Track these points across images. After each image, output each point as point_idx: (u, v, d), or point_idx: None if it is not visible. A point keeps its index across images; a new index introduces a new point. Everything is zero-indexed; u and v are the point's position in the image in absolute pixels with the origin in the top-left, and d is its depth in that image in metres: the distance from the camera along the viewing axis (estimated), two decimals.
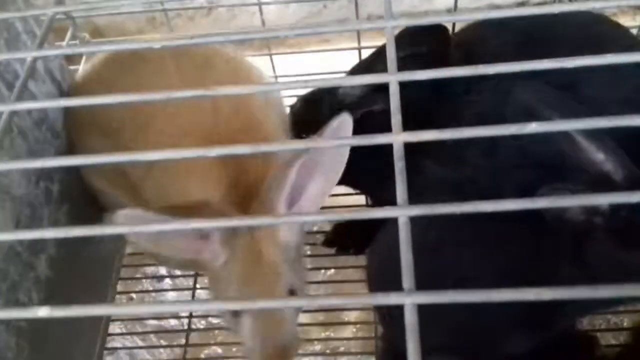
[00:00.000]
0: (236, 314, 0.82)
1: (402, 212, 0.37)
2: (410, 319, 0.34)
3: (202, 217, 0.71)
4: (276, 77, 1.30)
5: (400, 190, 0.39)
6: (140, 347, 1.34)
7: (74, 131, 1.03)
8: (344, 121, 0.71)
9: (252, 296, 0.79)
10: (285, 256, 0.82)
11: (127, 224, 0.67)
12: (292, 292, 0.82)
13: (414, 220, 1.01)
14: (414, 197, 0.39)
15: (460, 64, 1.04)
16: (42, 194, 0.96)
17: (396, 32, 0.49)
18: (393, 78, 0.44)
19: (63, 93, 1.06)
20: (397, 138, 0.40)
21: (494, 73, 0.42)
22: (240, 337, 0.84)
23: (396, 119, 0.42)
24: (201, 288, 1.29)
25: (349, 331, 1.32)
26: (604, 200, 0.46)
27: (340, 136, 0.67)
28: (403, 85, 0.43)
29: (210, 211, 0.78)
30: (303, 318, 1.10)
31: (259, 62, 1.30)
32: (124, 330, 1.36)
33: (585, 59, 0.42)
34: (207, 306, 0.73)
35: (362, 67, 1.08)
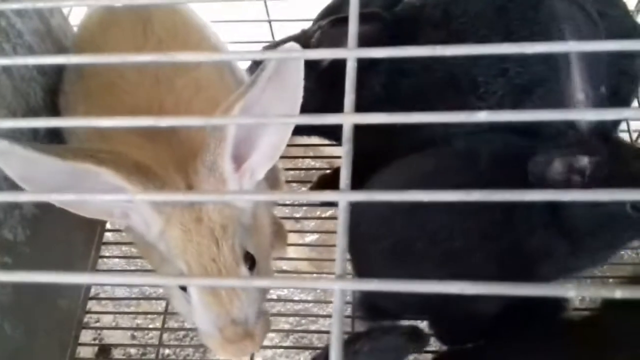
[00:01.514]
0: (182, 287, 0.75)
1: (343, 197, 0.38)
2: (338, 304, 0.35)
3: (124, 171, 0.67)
4: (270, 22, 1.27)
5: (344, 174, 0.39)
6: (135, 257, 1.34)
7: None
8: (284, 60, 0.63)
9: (195, 267, 0.72)
10: (236, 220, 0.74)
11: (5, 157, 0.62)
12: (249, 259, 0.76)
13: (393, 187, 1.02)
14: None
15: (437, 22, 1.04)
16: (29, 132, 0.97)
17: None
18: (351, 54, 0.43)
19: (51, 30, 1.04)
20: (347, 119, 0.40)
21: (451, 54, 0.41)
22: (192, 320, 0.77)
23: (349, 98, 0.41)
24: None
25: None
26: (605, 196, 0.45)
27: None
28: None
29: (132, 166, 0.70)
30: None
31: (253, 7, 1.27)
32: (119, 239, 1.38)
33: (545, 45, 0.41)
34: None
35: (329, 9, 1.10)
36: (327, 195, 0.39)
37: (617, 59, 1.03)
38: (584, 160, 0.80)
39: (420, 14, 1.06)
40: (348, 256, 1.04)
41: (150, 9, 0.95)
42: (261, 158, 0.74)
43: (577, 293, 0.33)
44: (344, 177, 0.39)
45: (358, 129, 1.30)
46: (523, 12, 1.00)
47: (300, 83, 0.67)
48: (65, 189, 0.67)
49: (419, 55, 0.41)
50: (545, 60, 0.99)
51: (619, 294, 0.32)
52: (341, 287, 0.35)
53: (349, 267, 1.04)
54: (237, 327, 0.73)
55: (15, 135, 0.92)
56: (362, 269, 1.03)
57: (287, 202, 1.31)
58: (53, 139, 1.01)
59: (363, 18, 0.97)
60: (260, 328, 0.76)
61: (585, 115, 0.38)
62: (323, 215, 1.36)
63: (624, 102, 1.11)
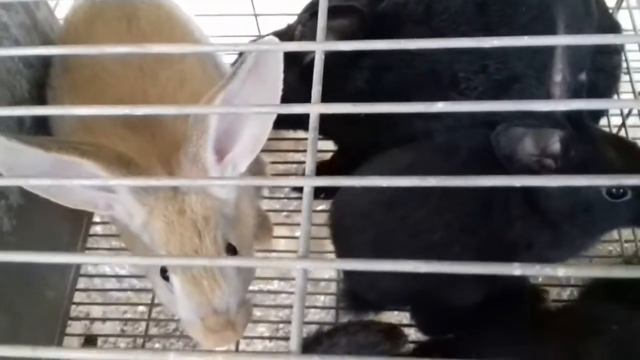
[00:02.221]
0: (165, 277, 0.76)
1: (307, 182, 0.40)
2: (300, 282, 0.37)
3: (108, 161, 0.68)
4: (256, 16, 1.29)
5: (309, 160, 0.40)
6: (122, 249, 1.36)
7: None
8: (262, 53, 0.64)
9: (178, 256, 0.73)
10: (218, 212, 0.76)
11: None
12: (231, 251, 0.77)
13: (374, 174, 1.02)
14: None
15: (419, 18, 1.06)
16: (14, 123, 0.98)
17: None
18: (319, 47, 0.45)
19: (37, 23, 1.06)
20: (313, 108, 0.42)
21: (415, 48, 0.43)
22: (175, 310, 0.78)
23: (316, 89, 0.43)
24: None
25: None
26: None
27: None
28: None
29: (116, 158, 0.71)
30: None
31: (239, 1, 1.28)
32: (107, 232, 1.39)
33: (504, 39, 0.42)
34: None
35: (313, 3, 1.10)
36: (293, 181, 0.41)
37: (594, 55, 1.06)
38: (555, 137, 0.81)
39: (403, 10, 1.08)
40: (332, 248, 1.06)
41: (136, 3, 0.97)
42: (243, 150, 0.75)
43: (522, 271, 0.34)
44: (309, 163, 0.41)
45: (345, 125, 1.34)
46: (502, 9, 1.02)
47: (280, 76, 0.68)
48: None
49: (385, 49, 0.43)
50: (523, 57, 1.02)
51: (561, 272, 0.34)
52: (303, 267, 0.37)
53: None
54: (219, 316, 0.74)
55: (0, 128, 0.93)
56: (349, 252, 1.05)
57: (281, 196, 1.33)
58: (38, 132, 1.02)
59: (340, 11, 1.00)
60: (241, 317, 0.77)
61: (543, 106, 0.39)
62: (314, 209, 1.38)
63: (601, 96, 1.14)
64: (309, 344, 0.74)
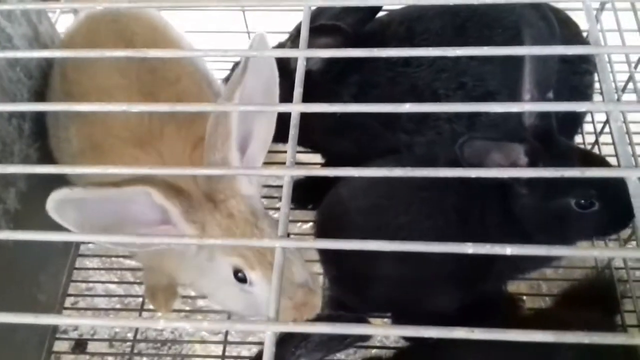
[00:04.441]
0: (241, 278, 0.79)
1: (287, 172, 0.44)
2: (279, 259, 0.41)
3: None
4: (248, 33, 1.35)
5: (289, 154, 0.45)
6: (115, 282, 1.41)
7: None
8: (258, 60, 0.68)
9: (251, 254, 0.77)
10: (256, 207, 0.81)
11: (60, 208, 0.66)
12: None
13: (357, 188, 1.06)
14: None
15: (401, 38, 1.13)
16: (14, 130, 1.02)
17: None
18: (301, 54, 0.50)
19: (39, 35, 1.11)
20: (295, 107, 0.47)
21: (386, 55, 0.48)
22: (256, 307, 0.81)
23: (297, 91, 0.48)
24: None
25: None
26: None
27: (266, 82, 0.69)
28: None
29: (160, 183, 0.74)
30: None
31: (230, 17, 1.34)
32: (100, 266, 1.44)
33: (467, 49, 0.48)
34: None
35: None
36: (274, 171, 0.45)
37: (567, 75, 1.12)
38: (519, 150, 0.86)
39: (387, 30, 1.15)
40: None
41: (133, 27, 1.02)
42: (258, 147, 0.80)
43: (474, 250, 0.39)
44: (290, 156, 0.45)
45: (332, 137, 1.39)
46: (480, 30, 1.09)
47: (275, 76, 0.73)
48: (111, 225, 0.72)
49: (361, 56, 0.48)
50: (497, 75, 1.08)
51: (509, 250, 0.39)
52: (282, 245, 0.41)
53: None
54: (303, 288, 0.79)
55: (1, 137, 0.98)
56: (334, 260, 1.08)
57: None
58: (38, 139, 1.07)
59: (326, 30, 1.06)
60: (316, 283, 0.82)
61: (500, 107, 0.44)
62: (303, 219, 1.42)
63: (575, 116, 1.20)
64: (284, 337, 0.78)
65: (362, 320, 0.82)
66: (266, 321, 0.37)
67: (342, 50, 0.49)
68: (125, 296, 1.43)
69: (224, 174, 0.73)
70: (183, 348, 1.36)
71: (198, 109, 0.59)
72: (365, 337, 0.87)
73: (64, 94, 0.99)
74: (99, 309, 1.38)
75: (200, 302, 1.39)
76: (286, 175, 0.44)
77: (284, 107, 0.47)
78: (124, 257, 1.44)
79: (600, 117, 1.27)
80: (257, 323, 0.38)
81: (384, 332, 0.36)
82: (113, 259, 1.46)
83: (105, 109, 0.45)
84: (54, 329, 1.16)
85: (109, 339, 1.26)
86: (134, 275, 1.47)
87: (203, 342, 1.36)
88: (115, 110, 0.46)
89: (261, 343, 1.32)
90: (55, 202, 0.66)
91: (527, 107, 0.60)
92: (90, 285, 1.39)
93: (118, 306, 1.41)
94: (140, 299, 1.39)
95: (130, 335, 1.31)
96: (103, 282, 1.43)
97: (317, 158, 1.33)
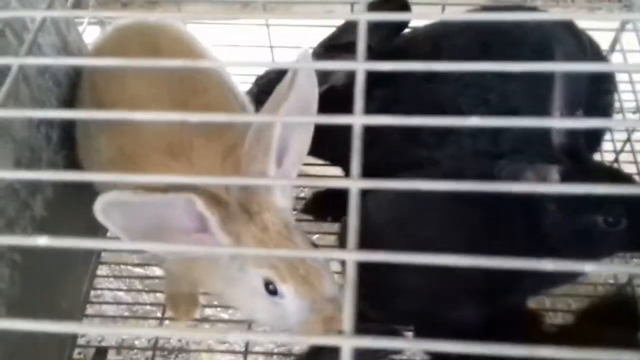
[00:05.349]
0: (272, 291, 0.79)
1: (354, 184, 0.45)
2: (350, 273, 0.41)
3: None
4: (272, 47, 1.36)
5: (355, 166, 0.46)
6: (123, 290, 1.42)
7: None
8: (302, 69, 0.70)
9: (283, 267, 0.78)
10: (289, 220, 0.82)
11: (107, 210, 0.67)
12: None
13: (383, 201, 1.07)
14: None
15: (427, 54, 1.14)
16: (42, 138, 1.03)
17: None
18: (361, 67, 0.50)
19: (67, 45, 1.11)
20: (357, 120, 0.47)
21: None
22: (285, 320, 0.81)
23: (359, 104, 0.49)
24: None
25: None
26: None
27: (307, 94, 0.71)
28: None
29: (201, 193, 0.75)
30: None
31: (255, 31, 1.36)
32: (109, 273, 1.45)
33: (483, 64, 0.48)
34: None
35: (328, 39, 1.18)
36: (339, 182, 0.46)
37: (589, 95, 1.13)
38: (554, 172, 0.88)
39: (413, 47, 1.16)
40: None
41: (159, 39, 1.03)
42: (293, 159, 0.82)
43: (555, 267, 0.40)
44: (355, 168, 0.46)
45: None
46: (504, 48, 1.10)
47: (315, 93, 0.75)
48: (151, 230, 0.73)
49: (424, 70, 0.49)
50: (521, 92, 1.09)
51: (588, 268, 0.40)
52: (354, 259, 0.42)
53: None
54: (333, 302, 0.79)
55: (30, 145, 0.98)
56: (359, 273, 1.08)
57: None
58: (65, 147, 1.07)
59: (349, 47, 1.07)
60: (341, 298, 0.81)
61: (544, 123, 0.45)
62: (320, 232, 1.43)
63: (596, 134, 1.21)
64: (313, 350, 0.78)
65: (395, 333, 0.82)
66: (344, 335, 0.38)
67: (402, 63, 0.49)
68: (134, 304, 1.43)
69: (284, 184, 0.74)
70: (190, 356, 1.37)
71: (230, 120, 0.58)
72: (398, 351, 0.87)
73: (95, 104, 1.00)
74: (106, 317, 1.38)
75: (208, 311, 1.40)
76: (352, 187, 0.45)
77: (346, 119, 0.47)
78: (132, 265, 1.45)
79: (620, 135, 1.28)
80: (333, 337, 0.38)
81: (453, 347, 0.36)
82: (122, 266, 1.47)
83: (132, 117, 0.46)
84: (74, 335, 1.15)
85: (129, 346, 1.26)
86: (142, 283, 1.47)
87: (210, 351, 1.37)
88: (147, 119, 0.46)
89: (267, 353, 1.34)
90: (103, 204, 0.67)
91: (568, 123, 0.61)
92: (99, 292, 1.40)
93: (126, 314, 1.42)
94: (148, 307, 1.39)
95: (137, 343, 1.31)
96: (111, 290, 1.44)
97: (325, 171, 1.33)
